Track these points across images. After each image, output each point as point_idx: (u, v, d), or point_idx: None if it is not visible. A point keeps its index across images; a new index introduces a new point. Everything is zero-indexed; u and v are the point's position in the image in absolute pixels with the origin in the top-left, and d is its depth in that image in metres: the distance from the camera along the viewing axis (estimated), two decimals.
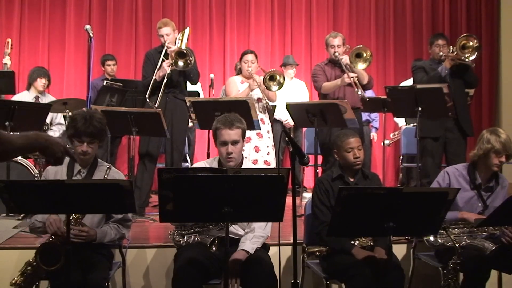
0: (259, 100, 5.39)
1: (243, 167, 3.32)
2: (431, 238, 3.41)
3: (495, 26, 8.04)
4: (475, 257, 3.22)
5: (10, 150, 1.91)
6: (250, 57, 5.48)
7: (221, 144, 3.25)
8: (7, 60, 6.05)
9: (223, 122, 3.27)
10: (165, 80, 5.06)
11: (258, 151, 5.35)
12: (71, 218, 2.88)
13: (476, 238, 3.34)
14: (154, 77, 5.08)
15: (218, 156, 3.35)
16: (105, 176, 3.15)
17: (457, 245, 3.19)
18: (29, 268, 2.90)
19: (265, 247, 3.34)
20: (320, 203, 3.43)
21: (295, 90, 6.94)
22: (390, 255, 2.84)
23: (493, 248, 3.23)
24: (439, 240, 3.37)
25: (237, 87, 5.52)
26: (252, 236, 3.22)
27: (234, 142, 3.23)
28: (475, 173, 3.53)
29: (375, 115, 7.01)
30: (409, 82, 7.06)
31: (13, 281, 2.87)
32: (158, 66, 5.10)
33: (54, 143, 2.01)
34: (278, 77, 5.31)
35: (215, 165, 3.33)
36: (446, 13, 8.09)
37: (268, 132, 5.46)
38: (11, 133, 4.71)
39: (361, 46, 5.39)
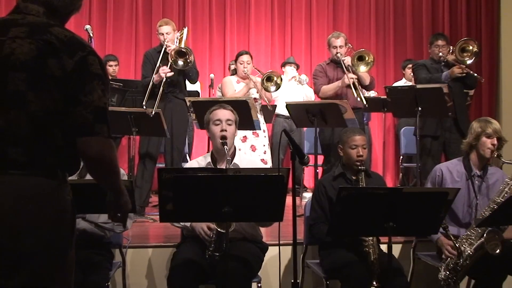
0: (255, 100, 5.39)
1: (235, 161, 3.26)
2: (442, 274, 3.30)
3: (495, 26, 8.03)
4: (486, 261, 3.17)
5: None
6: (245, 57, 5.50)
7: (215, 123, 3.23)
8: None
9: (217, 106, 3.30)
10: (161, 88, 4.97)
11: (255, 150, 5.37)
12: None
13: (473, 244, 3.25)
14: (153, 76, 5.06)
15: (210, 152, 3.33)
16: None
17: (457, 245, 3.19)
18: None
19: (262, 247, 3.29)
20: (316, 204, 3.44)
21: (304, 96, 6.83)
22: (390, 258, 2.83)
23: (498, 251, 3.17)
24: (446, 274, 3.29)
25: (233, 87, 5.54)
26: None
27: (228, 121, 3.23)
28: (470, 164, 3.52)
29: None
30: (401, 83, 7.09)
31: None
32: (157, 67, 5.05)
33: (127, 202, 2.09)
34: (275, 78, 5.32)
35: (208, 160, 3.29)
36: (446, 13, 8.08)
37: (264, 131, 5.49)
38: None
39: (364, 50, 5.37)
